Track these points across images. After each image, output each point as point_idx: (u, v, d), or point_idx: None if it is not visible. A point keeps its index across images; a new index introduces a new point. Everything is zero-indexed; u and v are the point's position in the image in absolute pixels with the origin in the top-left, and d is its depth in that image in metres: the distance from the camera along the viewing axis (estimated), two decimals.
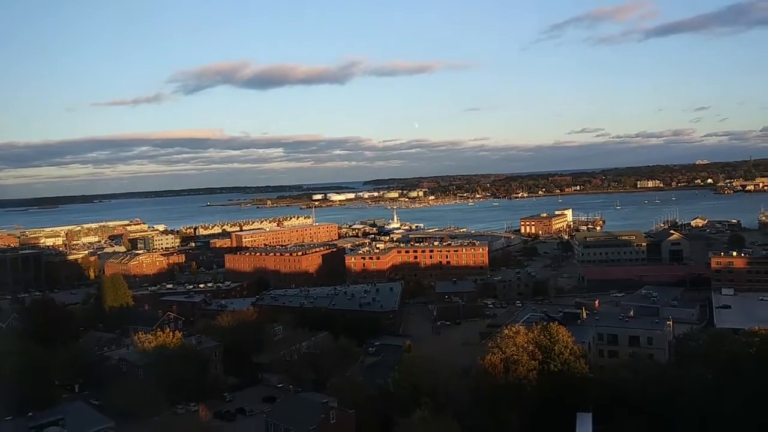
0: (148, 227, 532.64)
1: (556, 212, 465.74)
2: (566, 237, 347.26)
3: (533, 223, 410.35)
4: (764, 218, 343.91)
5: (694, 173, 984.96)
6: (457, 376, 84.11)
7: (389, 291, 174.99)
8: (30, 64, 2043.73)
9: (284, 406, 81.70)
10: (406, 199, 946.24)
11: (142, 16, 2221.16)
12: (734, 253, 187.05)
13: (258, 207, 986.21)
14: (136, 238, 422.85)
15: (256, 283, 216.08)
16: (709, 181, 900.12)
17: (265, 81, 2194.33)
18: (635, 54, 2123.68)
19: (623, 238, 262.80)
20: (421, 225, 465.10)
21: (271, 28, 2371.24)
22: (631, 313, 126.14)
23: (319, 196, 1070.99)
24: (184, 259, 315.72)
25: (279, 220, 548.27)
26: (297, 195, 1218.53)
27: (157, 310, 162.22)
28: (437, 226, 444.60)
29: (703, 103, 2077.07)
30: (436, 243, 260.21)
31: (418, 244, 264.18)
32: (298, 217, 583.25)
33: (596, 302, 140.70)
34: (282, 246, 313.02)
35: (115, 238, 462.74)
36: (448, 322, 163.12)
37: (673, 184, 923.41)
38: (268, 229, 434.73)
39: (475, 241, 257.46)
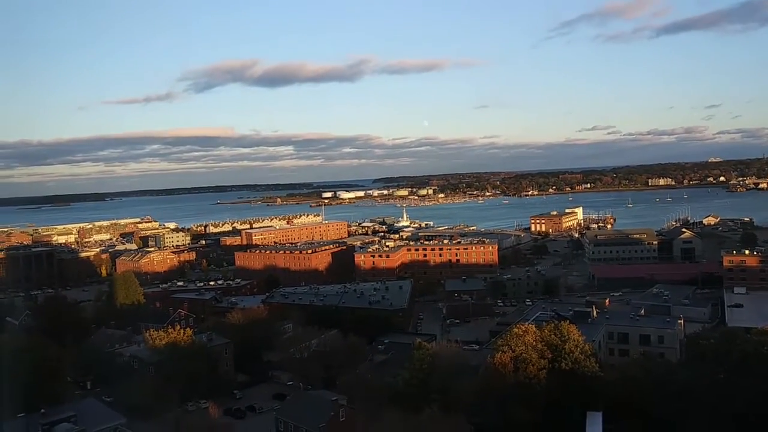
0: (159, 225, 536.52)
1: (567, 210, 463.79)
2: (577, 235, 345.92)
3: (543, 221, 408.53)
4: None
5: (707, 171, 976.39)
6: (466, 374, 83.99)
7: (399, 289, 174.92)
8: (42, 62, 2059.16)
9: (294, 403, 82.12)
10: (416, 197, 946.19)
11: (152, 15, 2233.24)
12: (747, 252, 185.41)
13: (268, 205, 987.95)
14: (147, 236, 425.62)
15: (266, 281, 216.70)
16: (722, 179, 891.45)
17: (275, 79, 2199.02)
18: (646, 51, 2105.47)
19: (634, 236, 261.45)
20: (431, 223, 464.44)
21: (280, 26, 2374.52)
22: (642, 311, 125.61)
23: (328, 194, 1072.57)
24: (194, 257, 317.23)
25: (289, 218, 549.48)
26: (307, 193, 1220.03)
27: (168, 308, 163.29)
28: (447, 224, 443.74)
29: (715, 101, 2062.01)
30: (445, 241, 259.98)
31: (427, 242, 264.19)
32: (307, 215, 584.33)
33: (607, 301, 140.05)
34: (292, 244, 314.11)
35: (126, 236, 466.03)
36: (458, 321, 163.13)
37: (685, 182, 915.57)
38: (278, 227, 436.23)
39: (484, 239, 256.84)
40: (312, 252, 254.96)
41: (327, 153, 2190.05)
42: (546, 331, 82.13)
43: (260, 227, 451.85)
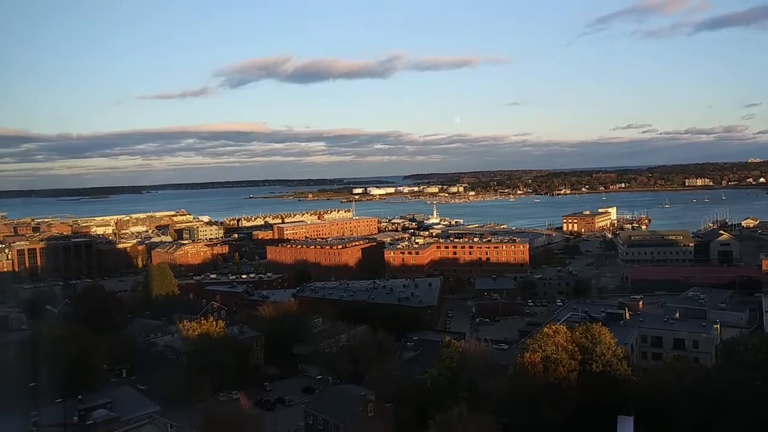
0: (193, 218, 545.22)
1: (600, 210, 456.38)
2: (610, 235, 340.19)
3: (576, 220, 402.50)
4: None
5: (746, 171, 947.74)
6: (495, 373, 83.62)
7: (428, 286, 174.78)
8: (81, 59, 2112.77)
9: (323, 397, 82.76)
10: (446, 194, 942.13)
11: (188, 12, 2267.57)
12: None
13: (299, 200, 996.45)
14: (182, 229, 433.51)
15: (296, 275, 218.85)
16: (762, 180, 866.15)
17: (307, 75, 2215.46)
18: (684, 48, 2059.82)
19: (670, 237, 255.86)
20: (461, 221, 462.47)
21: (312, 22, 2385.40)
22: (677, 315, 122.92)
23: (359, 190, 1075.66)
24: (227, 250, 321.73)
25: (320, 213, 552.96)
26: (338, 188, 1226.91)
27: (201, 299, 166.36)
28: (477, 221, 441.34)
29: (756, 99, 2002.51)
30: (476, 239, 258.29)
31: (457, 240, 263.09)
32: (338, 211, 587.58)
33: (640, 303, 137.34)
34: (322, 239, 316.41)
35: (161, 228, 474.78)
36: (487, 319, 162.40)
37: (724, 182, 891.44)
38: (309, 222, 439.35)
39: (515, 238, 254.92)
40: (342, 247, 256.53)
41: (358, 149, 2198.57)
42: (577, 332, 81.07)
43: (292, 222, 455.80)
